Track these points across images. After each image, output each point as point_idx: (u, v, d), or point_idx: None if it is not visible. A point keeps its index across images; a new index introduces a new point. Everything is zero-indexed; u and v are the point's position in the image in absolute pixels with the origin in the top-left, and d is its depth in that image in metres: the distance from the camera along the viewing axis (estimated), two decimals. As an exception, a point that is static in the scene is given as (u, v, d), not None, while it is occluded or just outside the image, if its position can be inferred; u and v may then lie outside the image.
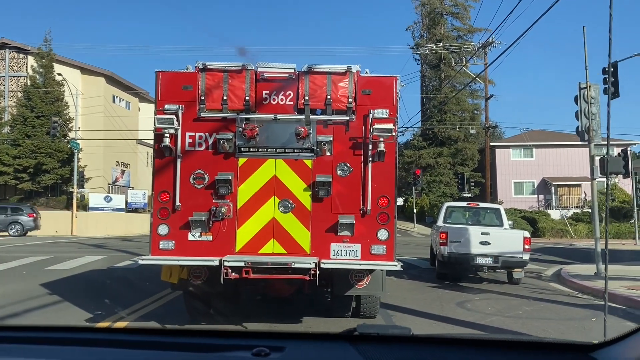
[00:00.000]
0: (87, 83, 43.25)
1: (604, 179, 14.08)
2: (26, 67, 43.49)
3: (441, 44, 45.62)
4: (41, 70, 40.98)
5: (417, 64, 53.20)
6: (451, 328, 7.81)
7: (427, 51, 45.93)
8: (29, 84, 40.85)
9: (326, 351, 1.68)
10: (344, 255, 7.06)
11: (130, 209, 38.80)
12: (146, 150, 47.67)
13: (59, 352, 1.71)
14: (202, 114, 7.20)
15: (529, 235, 12.80)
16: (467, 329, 7.88)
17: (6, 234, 30.53)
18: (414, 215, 40.65)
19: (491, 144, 41.33)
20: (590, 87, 14.17)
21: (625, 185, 39.25)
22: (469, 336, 1.96)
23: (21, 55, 44.20)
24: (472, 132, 46.07)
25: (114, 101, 46.08)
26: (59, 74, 39.42)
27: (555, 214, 41.51)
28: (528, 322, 8.33)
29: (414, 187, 39.96)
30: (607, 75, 17.21)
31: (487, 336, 2.33)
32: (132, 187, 45.38)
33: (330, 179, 7.04)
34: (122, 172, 46.61)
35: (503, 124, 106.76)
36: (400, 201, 48.87)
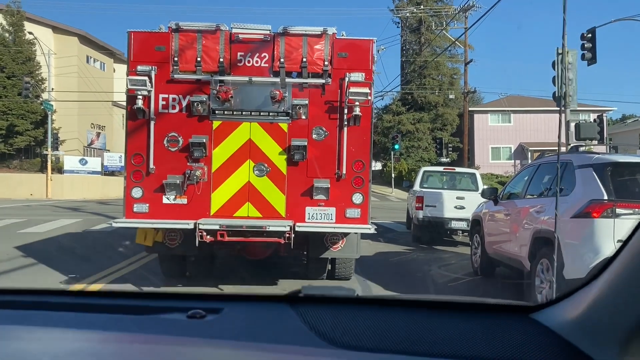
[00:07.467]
0: (60, 43, 41.92)
1: (580, 144, 14.27)
2: (-5, 25, 41.94)
3: (421, 6, 45.11)
4: (10, 28, 39.59)
5: (397, 27, 52.51)
6: (421, 290, 7.97)
7: (408, 14, 45.40)
8: (-2, 42, 39.48)
9: (264, 313, 1.67)
10: (318, 218, 7.12)
11: (107, 172, 38.33)
12: (122, 113, 46.60)
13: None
14: (176, 76, 7.08)
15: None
16: (436, 291, 8.05)
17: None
18: (392, 179, 40.89)
19: (470, 109, 41.46)
20: (567, 52, 14.21)
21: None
22: (409, 297, 2.00)
23: (-10, 13, 42.58)
24: (451, 96, 46.06)
25: (88, 62, 44.88)
26: (30, 33, 38.12)
27: (530, 179, 41.98)
28: (497, 284, 8.53)
29: (392, 152, 40.05)
30: (585, 42, 17.29)
31: (428, 297, 2.39)
32: (108, 150, 44.69)
33: (306, 143, 7.03)
34: (98, 134, 45.79)
35: (482, 89, 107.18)
36: (378, 166, 49.03)
